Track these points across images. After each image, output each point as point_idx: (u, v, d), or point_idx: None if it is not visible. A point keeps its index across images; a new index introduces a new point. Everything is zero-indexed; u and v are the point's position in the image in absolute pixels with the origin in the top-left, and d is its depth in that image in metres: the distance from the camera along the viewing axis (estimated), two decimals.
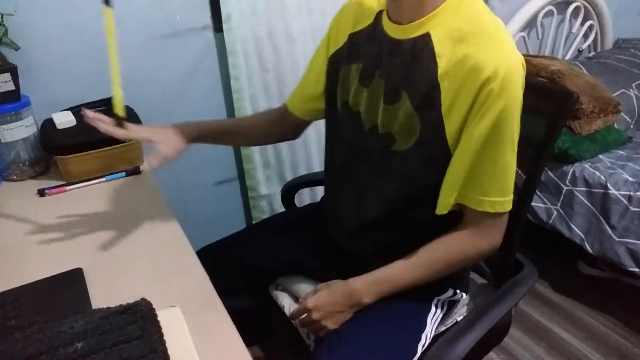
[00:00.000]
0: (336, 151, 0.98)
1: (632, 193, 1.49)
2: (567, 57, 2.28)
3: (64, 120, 1.12)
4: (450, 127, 0.78)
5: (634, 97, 1.94)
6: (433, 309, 0.94)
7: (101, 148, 1.11)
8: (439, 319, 0.95)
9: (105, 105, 1.22)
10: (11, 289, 0.76)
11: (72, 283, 0.78)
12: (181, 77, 1.44)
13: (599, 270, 1.80)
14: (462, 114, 0.76)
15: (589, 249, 1.58)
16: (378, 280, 0.87)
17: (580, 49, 2.31)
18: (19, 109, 1.08)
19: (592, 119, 1.64)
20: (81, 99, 1.23)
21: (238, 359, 0.66)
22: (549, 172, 1.68)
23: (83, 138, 1.10)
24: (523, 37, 2.06)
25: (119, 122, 0.88)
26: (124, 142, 1.13)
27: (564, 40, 2.24)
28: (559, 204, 1.66)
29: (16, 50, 1.11)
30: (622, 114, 1.81)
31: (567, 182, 1.63)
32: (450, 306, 0.98)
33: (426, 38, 0.78)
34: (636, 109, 1.94)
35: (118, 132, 0.87)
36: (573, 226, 1.62)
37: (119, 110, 0.87)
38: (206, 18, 1.41)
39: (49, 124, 1.14)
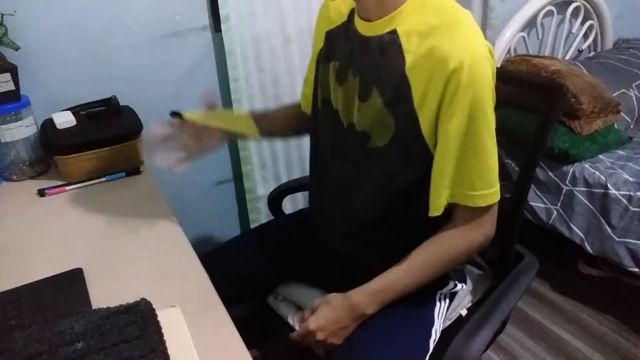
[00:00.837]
0: (317, 149, 0.98)
1: (632, 193, 1.49)
2: (567, 57, 2.28)
3: (64, 120, 1.12)
4: (424, 121, 0.78)
5: (634, 97, 1.94)
6: (438, 303, 0.94)
7: (101, 148, 1.11)
8: (444, 313, 0.95)
9: (105, 105, 1.22)
10: (11, 289, 0.76)
11: (72, 283, 0.78)
12: (181, 77, 1.44)
13: (599, 270, 1.80)
14: (434, 107, 0.76)
15: (589, 248, 1.58)
16: (378, 290, 0.86)
17: (580, 49, 2.31)
18: (19, 109, 1.08)
19: (592, 119, 1.64)
20: (81, 99, 1.23)
21: (238, 359, 0.66)
22: (549, 172, 1.68)
23: (83, 138, 1.10)
24: (523, 37, 2.05)
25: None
26: (124, 142, 1.13)
27: (564, 40, 2.24)
28: (559, 204, 1.66)
29: (16, 50, 1.11)
30: (622, 114, 1.81)
31: (567, 182, 1.63)
32: (451, 298, 0.98)
33: (393, 34, 0.79)
34: (636, 109, 1.94)
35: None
36: (573, 226, 1.62)
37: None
38: (206, 18, 1.41)
39: (49, 124, 1.14)
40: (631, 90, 1.95)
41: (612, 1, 2.27)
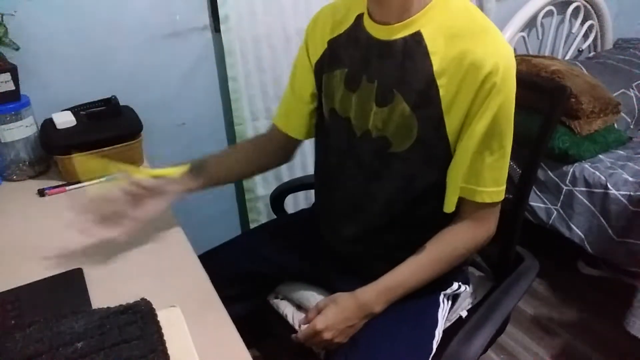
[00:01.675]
0: (326, 158, 0.97)
1: (632, 193, 1.49)
2: (567, 57, 2.28)
3: (64, 120, 1.12)
4: (451, 124, 0.78)
5: (634, 97, 1.94)
6: (441, 304, 0.94)
7: (101, 148, 1.11)
8: (446, 314, 0.95)
9: (105, 105, 1.22)
10: (11, 289, 0.76)
11: (72, 283, 0.78)
12: (181, 77, 1.44)
13: (599, 270, 1.80)
14: (463, 110, 0.76)
15: (589, 248, 1.58)
16: (387, 288, 0.86)
17: (580, 49, 2.31)
18: (19, 109, 1.08)
19: (592, 119, 1.64)
20: (81, 99, 1.23)
21: (238, 359, 0.66)
22: (549, 172, 1.68)
23: (83, 138, 1.10)
24: (523, 37, 2.05)
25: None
26: (124, 142, 1.13)
27: (564, 40, 2.24)
28: (559, 204, 1.66)
29: (16, 50, 1.11)
30: (622, 114, 1.81)
31: (567, 182, 1.63)
32: (454, 300, 0.98)
33: (417, 36, 0.78)
34: (636, 109, 1.94)
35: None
36: (573, 226, 1.62)
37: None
38: (206, 18, 1.41)
39: (49, 124, 1.14)
40: (631, 90, 1.95)
41: (612, 1, 2.27)
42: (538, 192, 1.71)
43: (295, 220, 1.19)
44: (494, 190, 0.81)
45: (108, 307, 0.67)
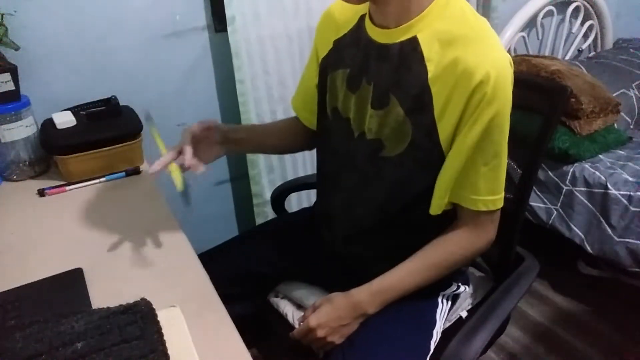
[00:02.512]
0: (327, 158, 0.98)
1: (632, 193, 1.49)
2: (567, 57, 2.28)
3: (64, 120, 1.12)
4: (444, 131, 0.78)
5: (634, 97, 1.94)
6: (440, 304, 0.94)
7: (101, 148, 1.11)
8: (445, 314, 0.95)
9: (105, 105, 1.22)
10: (11, 289, 0.76)
11: (72, 283, 0.78)
12: (181, 76, 1.44)
13: (599, 270, 1.80)
14: (454, 118, 0.76)
15: (589, 249, 1.58)
16: (382, 289, 0.86)
17: (580, 49, 2.31)
18: (19, 109, 1.08)
19: (592, 119, 1.64)
20: (81, 99, 1.23)
21: (238, 359, 0.66)
22: (549, 172, 1.68)
23: (83, 138, 1.10)
24: (523, 37, 2.05)
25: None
26: (124, 142, 1.13)
27: (564, 40, 2.24)
28: (559, 204, 1.66)
29: (16, 50, 1.11)
30: (622, 114, 1.81)
31: (567, 182, 1.63)
32: (454, 300, 0.98)
33: (414, 42, 0.77)
34: (636, 109, 1.94)
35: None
36: (573, 226, 1.62)
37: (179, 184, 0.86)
38: (206, 18, 1.41)
39: (49, 124, 1.14)
40: (631, 90, 1.95)
41: (612, 1, 2.27)
42: (538, 192, 1.71)
43: (296, 220, 1.19)
44: (489, 198, 0.81)
45: (108, 307, 0.67)
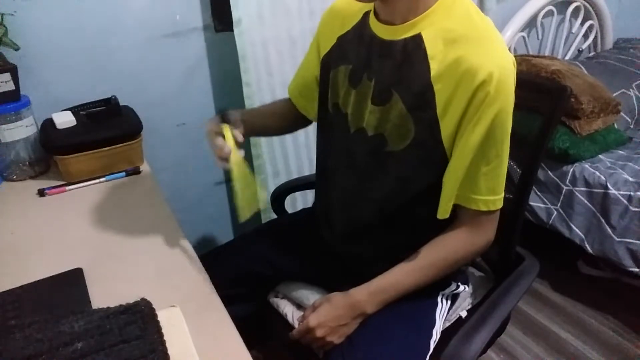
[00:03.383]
0: (327, 154, 0.98)
1: (632, 193, 1.49)
2: (567, 57, 2.28)
3: (64, 120, 1.12)
4: (446, 129, 0.78)
5: (634, 97, 1.94)
6: (439, 304, 0.94)
7: (101, 148, 1.11)
8: (445, 314, 0.95)
9: (105, 105, 1.22)
10: (11, 289, 0.76)
11: (72, 283, 0.78)
12: (181, 76, 1.44)
13: (599, 270, 1.80)
14: (456, 117, 0.76)
15: (589, 249, 1.58)
16: (380, 289, 0.86)
17: (580, 49, 2.31)
18: (19, 109, 1.08)
19: (592, 119, 1.64)
20: (81, 99, 1.23)
21: (238, 359, 0.66)
22: (549, 172, 1.68)
23: (83, 138, 1.10)
24: (523, 37, 2.05)
25: None
26: (123, 142, 1.13)
27: (564, 40, 2.24)
28: (559, 204, 1.66)
29: (16, 50, 1.11)
30: (622, 114, 1.81)
31: (567, 182, 1.63)
32: (453, 300, 0.98)
33: (418, 39, 0.77)
34: (636, 109, 1.94)
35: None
36: (573, 226, 1.62)
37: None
38: (206, 18, 1.41)
39: (49, 124, 1.14)
40: (631, 90, 1.95)
41: (612, 1, 2.27)
42: (538, 192, 1.71)
43: (295, 220, 1.19)
44: (489, 198, 0.81)
45: (108, 307, 0.67)
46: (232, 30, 1.37)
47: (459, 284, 0.97)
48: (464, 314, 1.00)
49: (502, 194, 0.82)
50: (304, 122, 1.11)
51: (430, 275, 0.86)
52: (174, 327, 0.67)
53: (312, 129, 1.17)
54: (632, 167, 1.58)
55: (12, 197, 1.07)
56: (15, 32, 1.11)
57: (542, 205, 1.70)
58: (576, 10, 2.17)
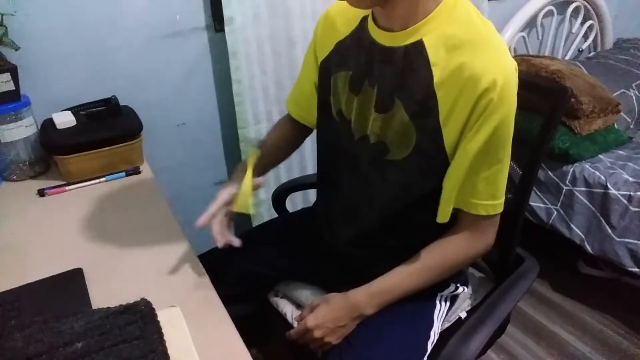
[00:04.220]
0: (330, 159, 0.97)
1: (632, 193, 1.49)
2: (567, 57, 2.28)
3: (64, 120, 1.12)
4: (449, 136, 0.77)
5: (634, 97, 1.94)
6: (438, 305, 0.94)
7: (101, 148, 1.11)
8: (444, 315, 0.95)
9: (105, 105, 1.22)
10: (11, 289, 0.76)
11: (72, 283, 0.78)
12: (181, 77, 1.44)
13: (599, 270, 1.80)
14: (459, 124, 0.75)
15: (589, 249, 1.58)
16: (380, 291, 0.86)
17: (580, 49, 2.31)
18: (19, 109, 1.08)
19: (592, 119, 1.64)
20: (81, 99, 1.23)
21: (238, 359, 0.66)
22: (549, 172, 1.68)
23: (83, 138, 1.10)
24: (523, 37, 2.06)
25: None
26: (123, 142, 1.13)
27: (564, 40, 2.24)
28: (559, 204, 1.66)
29: (16, 50, 1.11)
30: (622, 114, 1.81)
31: (567, 182, 1.63)
32: (452, 301, 0.98)
33: (419, 45, 0.76)
34: (636, 109, 1.94)
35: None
36: (573, 226, 1.62)
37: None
38: (206, 18, 1.41)
39: (49, 124, 1.14)
40: (631, 90, 1.95)
41: (612, 1, 2.27)
42: (538, 192, 1.71)
43: (296, 220, 1.19)
44: (490, 203, 0.80)
45: (108, 307, 0.67)
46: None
47: (458, 285, 0.97)
48: (463, 315, 1.00)
49: (503, 199, 0.82)
50: (305, 135, 1.11)
51: (430, 278, 0.86)
52: (174, 327, 0.67)
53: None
54: (632, 167, 1.58)
55: (12, 197, 1.07)
56: (15, 32, 1.11)
57: (542, 205, 1.70)
58: (576, 10, 2.17)
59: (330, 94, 0.92)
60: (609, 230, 1.53)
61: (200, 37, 1.42)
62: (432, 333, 0.90)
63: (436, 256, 0.86)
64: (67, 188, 1.07)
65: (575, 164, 1.63)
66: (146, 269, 0.83)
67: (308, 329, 0.86)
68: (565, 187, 1.64)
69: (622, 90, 1.92)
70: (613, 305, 1.72)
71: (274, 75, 1.51)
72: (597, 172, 1.57)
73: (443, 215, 0.83)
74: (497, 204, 0.81)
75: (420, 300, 0.90)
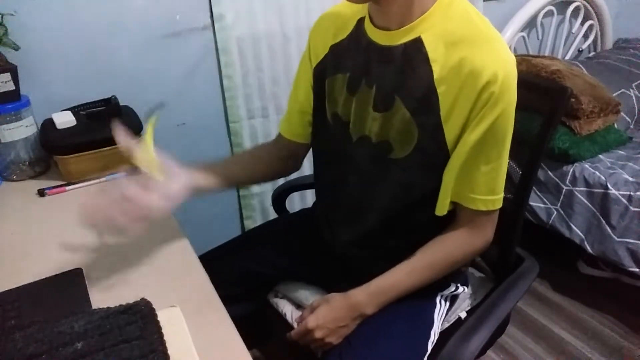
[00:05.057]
0: (327, 164, 0.97)
1: (632, 193, 1.49)
2: (567, 57, 2.28)
3: (64, 120, 1.12)
4: (450, 133, 0.77)
5: (634, 97, 1.94)
6: (438, 305, 0.94)
7: (101, 148, 1.11)
8: (444, 315, 0.95)
9: (105, 105, 1.22)
10: (11, 289, 0.76)
11: (72, 283, 0.78)
12: (181, 76, 1.44)
13: (599, 270, 1.80)
14: (461, 119, 0.75)
15: (589, 249, 1.58)
16: (380, 290, 0.86)
17: (580, 49, 2.31)
18: (19, 109, 1.08)
19: (592, 119, 1.64)
20: (81, 99, 1.23)
21: (238, 359, 0.66)
22: (549, 172, 1.68)
23: (83, 138, 1.10)
24: (523, 37, 2.06)
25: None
26: None
27: (564, 40, 2.24)
28: (559, 204, 1.66)
29: (16, 50, 1.11)
30: (622, 114, 1.81)
31: (567, 182, 1.63)
32: (452, 301, 0.98)
33: (418, 43, 0.76)
34: (636, 109, 1.94)
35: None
36: (573, 226, 1.62)
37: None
38: (206, 18, 1.41)
39: (49, 124, 1.14)
40: (631, 90, 1.95)
41: (612, 1, 2.27)
42: (538, 192, 1.71)
43: (296, 221, 1.19)
44: (489, 198, 0.80)
45: (108, 307, 0.67)
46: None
47: (458, 285, 0.97)
48: (463, 315, 1.00)
49: (502, 194, 0.82)
50: (295, 156, 1.06)
51: (430, 275, 0.86)
52: (174, 327, 0.67)
53: None
54: (632, 167, 1.58)
55: (12, 197, 1.07)
56: (15, 32, 1.11)
57: (542, 205, 1.70)
58: (576, 10, 2.17)
59: (325, 98, 0.92)
60: (609, 230, 1.53)
61: (200, 37, 1.42)
62: (432, 333, 0.90)
63: (435, 253, 0.86)
64: (67, 188, 1.07)
65: (575, 164, 1.63)
66: (146, 269, 0.83)
67: (309, 329, 0.86)
68: (565, 187, 1.64)
69: (622, 90, 1.92)
70: (613, 305, 1.72)
71: (270, 71, 1.52)
72: (597, 172, 1.57)
73: (441, 208, 0.83)
74: (496, 200, 0.81)
75: (420, 300, 0.90)
